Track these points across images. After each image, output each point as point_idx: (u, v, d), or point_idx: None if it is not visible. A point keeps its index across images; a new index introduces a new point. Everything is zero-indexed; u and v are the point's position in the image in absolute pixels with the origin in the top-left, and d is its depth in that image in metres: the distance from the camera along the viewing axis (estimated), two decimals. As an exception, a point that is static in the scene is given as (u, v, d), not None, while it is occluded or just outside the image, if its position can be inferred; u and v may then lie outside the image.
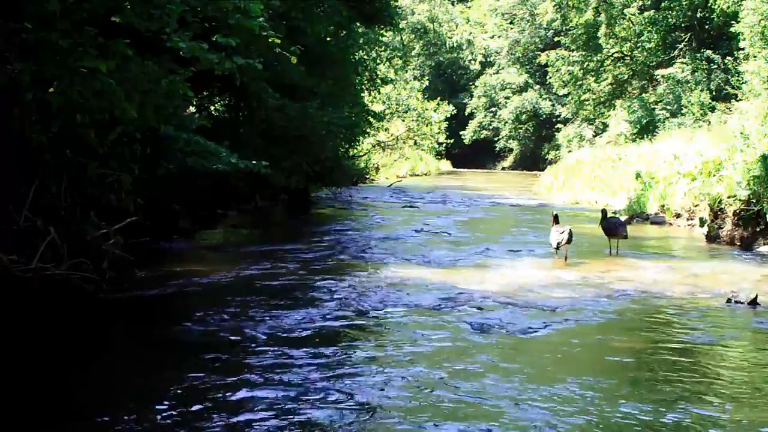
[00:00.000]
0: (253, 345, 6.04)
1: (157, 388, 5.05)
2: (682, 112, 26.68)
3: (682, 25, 30.58)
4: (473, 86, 53.08)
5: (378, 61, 22.46)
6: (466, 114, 51.78)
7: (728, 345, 6.62)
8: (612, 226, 11.35)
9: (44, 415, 4.69)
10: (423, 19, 53.16)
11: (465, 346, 6.17)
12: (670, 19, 30.36)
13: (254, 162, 10.07)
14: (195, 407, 4.69)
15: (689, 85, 27.59)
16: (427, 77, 46.61)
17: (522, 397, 4.95)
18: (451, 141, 43.13)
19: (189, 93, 7.48)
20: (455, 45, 54.36)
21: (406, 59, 29.70)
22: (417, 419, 4.57)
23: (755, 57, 20.47)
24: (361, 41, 18.27)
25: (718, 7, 25.81)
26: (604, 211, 11.84)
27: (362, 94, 20.39)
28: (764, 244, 11.72)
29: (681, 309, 7.68)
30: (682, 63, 28.89)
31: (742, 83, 21.58)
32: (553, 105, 46.69)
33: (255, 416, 4.56)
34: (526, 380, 5.29)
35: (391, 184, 28.16)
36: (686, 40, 30.43)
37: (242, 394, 4.92)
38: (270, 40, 6.78)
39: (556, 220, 11.12)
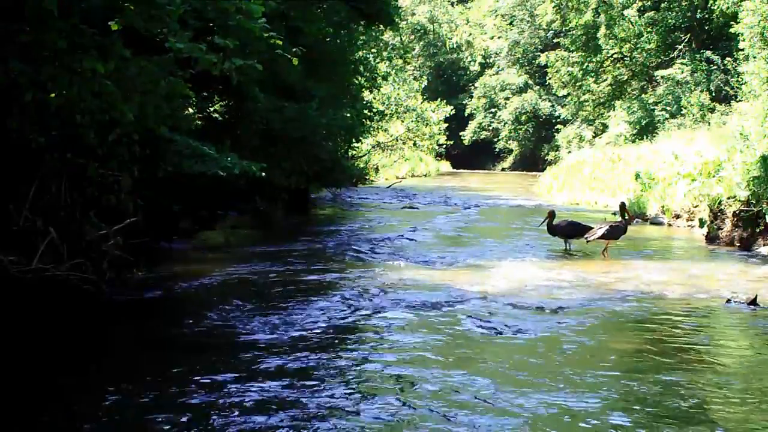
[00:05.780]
0: (253, 345, 6.04)
1: (157, 388, 5.05)
2: (682, 112, 26.68)
3: (682, 25, 30.58)
4: (473, 87, 53.09)
5: (378, 59, 22.42)
6: (466, 115, 51.79)
7: (728, 345, 6.62)
8: (572, 227, 11.82)
9: (44, 415, 4.69)
10: (423, 20, 53.18)
11: (465, 346, 6.17)
12: (669, 20, 30.36)
13: (251, 165, 10.04)
14: (194, 407, 4.69)
15: (689, 85, 27.59)
16: (426, 77, 46.60)
17: (522, 397, 4.95)
18: (451, 142, 43.14)
19: (190, 94, 7.47)
20: (455, 46, 54.37)
21: (406, 59, 29.68)
22: (418, 419, 4.57)
23: (755, 58, 20.45)
24: (361, 41, 18.25)
25: (718, 7, 25.81)
26: (552, 213, 11.98)
27: (362, 94, 20.38)
28: (764, 245, 11.72)
29: (681, 309, 7.68)
30: (682, 64, 28.89)
31: (742, 84, 21.57)
32: (552, 106, 46.69)
33: (254, 416, 4.56)
34: (527, 380, 5.29)
35: (390, 185, 28.15)
36: (686, 40, 30.44)
37: (242, 394, 4.92)
38: (272, 41, 6.77)
39: (621, 210, 11.83)
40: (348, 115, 16.09)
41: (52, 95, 6.54)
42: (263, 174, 9.79)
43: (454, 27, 54.90)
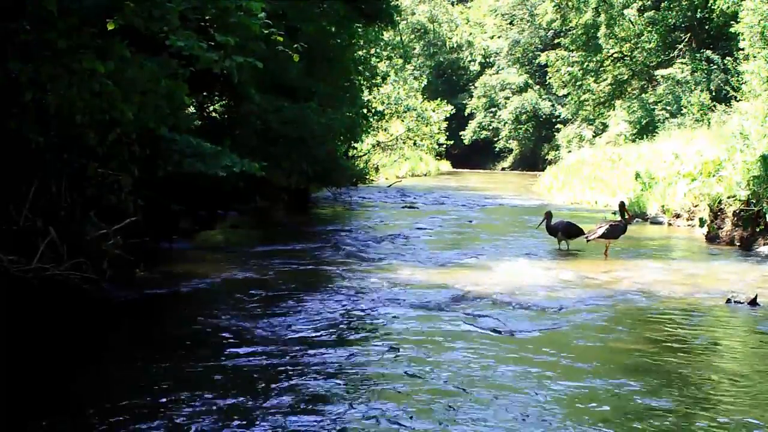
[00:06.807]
0: (252, 345, 6.04)
1: (157, 388, 5.05)
2: (682, 112, 26.69)
3: (682, 25, 30.60)
4: (473, 86, 53.09)
5: (378, 58, 22.42)
6: (466, 114, 51.78)
7: (728, 345, 6.62)
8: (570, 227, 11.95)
9: (43, 414, 4.68)
10: (423, 20, 53.18)
11: (466, 346, 6.16)
12: (669, 20, 30.38)
13: (252, 164, 10.04)
14: (193, 407, 4.69)
15: (689, 85, 27.60)
16: (426, 77, 46.57)
17: (523, 397, 4.95)
18: (451, 141, 43.12)
19: (186, 99, 7.47)
20: (455, 45, 54.37)
21: (406, 57, 29.66)
22: (418, 419, 4.57)
23: (755, 57, 20.45)
24: (361, 41, 18.24)
25: (718, 7, 25.81)
26: (549, 213, 12.07)
27: (362, 93, 20.35)
28: (764, 244, 11.72)
29: (681, 309, 7.68)
30: (682, 63, 28.91)
31: (742, 83, 21.57)
32: (552, 105, 46.71)
33: (253, 416, 4.56)
34: (527, 380, 5.29)
35: (391, 185, 28.13)
36: (686, 40, 30.45)
37: (242, 394, 4.92)
38: (273, 37, 6.77)
39: (621, 210, 11.90)
40: (348, 114, 16.09)
41: (51, 95, 6.54)
42: (263, 173, 9.79)
43: (454, 26, 54.91)
